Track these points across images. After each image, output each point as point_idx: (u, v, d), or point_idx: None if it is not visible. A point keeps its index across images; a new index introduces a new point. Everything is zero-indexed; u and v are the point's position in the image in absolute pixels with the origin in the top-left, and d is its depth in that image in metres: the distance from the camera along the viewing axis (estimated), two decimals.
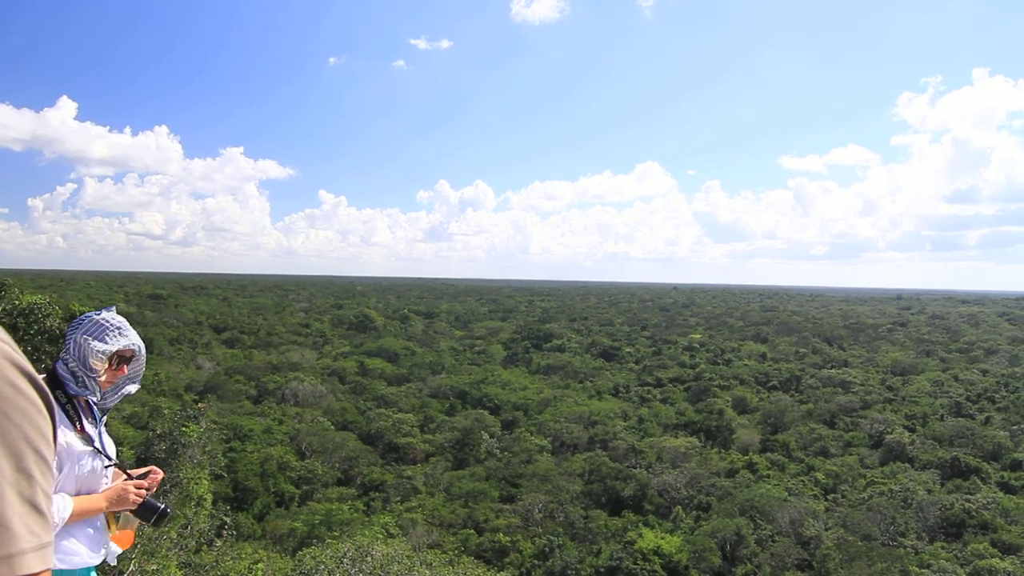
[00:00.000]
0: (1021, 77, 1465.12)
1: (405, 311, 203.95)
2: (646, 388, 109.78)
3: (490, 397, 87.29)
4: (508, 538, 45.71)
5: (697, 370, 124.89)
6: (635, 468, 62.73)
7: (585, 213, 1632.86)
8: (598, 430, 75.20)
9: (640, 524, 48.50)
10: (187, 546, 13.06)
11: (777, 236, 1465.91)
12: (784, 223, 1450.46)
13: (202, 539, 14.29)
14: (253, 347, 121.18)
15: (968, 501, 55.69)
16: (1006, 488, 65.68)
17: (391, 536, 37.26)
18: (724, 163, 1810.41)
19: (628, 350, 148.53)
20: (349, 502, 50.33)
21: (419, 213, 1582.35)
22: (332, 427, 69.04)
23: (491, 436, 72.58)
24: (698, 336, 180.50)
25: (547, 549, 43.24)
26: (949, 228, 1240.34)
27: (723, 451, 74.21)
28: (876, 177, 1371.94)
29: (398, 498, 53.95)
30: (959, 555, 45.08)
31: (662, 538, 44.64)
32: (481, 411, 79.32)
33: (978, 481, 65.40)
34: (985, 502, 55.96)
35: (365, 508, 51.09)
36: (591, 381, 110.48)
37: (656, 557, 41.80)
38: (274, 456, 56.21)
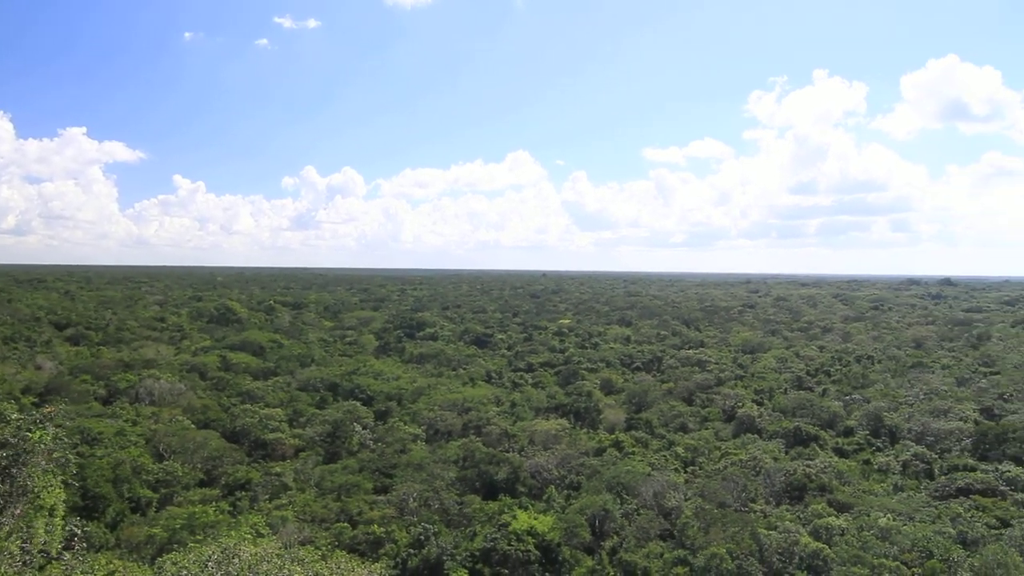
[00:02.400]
0: (855, 79, 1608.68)
1: (271, 302, 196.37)
2: (518, 373, 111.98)
3: (362, 388, 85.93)
4: (383, 529, 45.39)
5: (566, 354, 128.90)
6: (508, 452, 63.92)
7: (457, 201, 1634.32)
8: (472, 416, 75.94)
9: (514, 506, 49.55)
10: (31, 562, 12.06)
11: (640, 225, 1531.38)
12: (646, 212, 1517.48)
13: (47, 553, 13.23)
14: (101, 344, 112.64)
15: (808, 466, 61.14)
16: (840, 453, 72.71)
17: (260, 536, 36.00)
18: (591, 154, 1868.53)
19: (500, 337, 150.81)
20: (213, 503, 48.05)
21: (284, 200, 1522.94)
22: (193, 426, 65.58)
23: (364, 427, 71.57)
24: (567, 321, 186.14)
25: (422, 537, 43.32)
26: (792, 217, 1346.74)
27: (591, 431, 77.10)
28: (729, 169, 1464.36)
29: (266, 496, 52.16)
30: (801, 516, 49.44)
31: (535, 518, 45.85)
32: (353, 402, 77.97)
33: (816, 448, 71.95)
34: (823, 466, 61.64)
35: (231, 509, 48.99)
36: (464, 368, 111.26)
37: (530, 537, 42.92)
38: (127, 459, 52.68)
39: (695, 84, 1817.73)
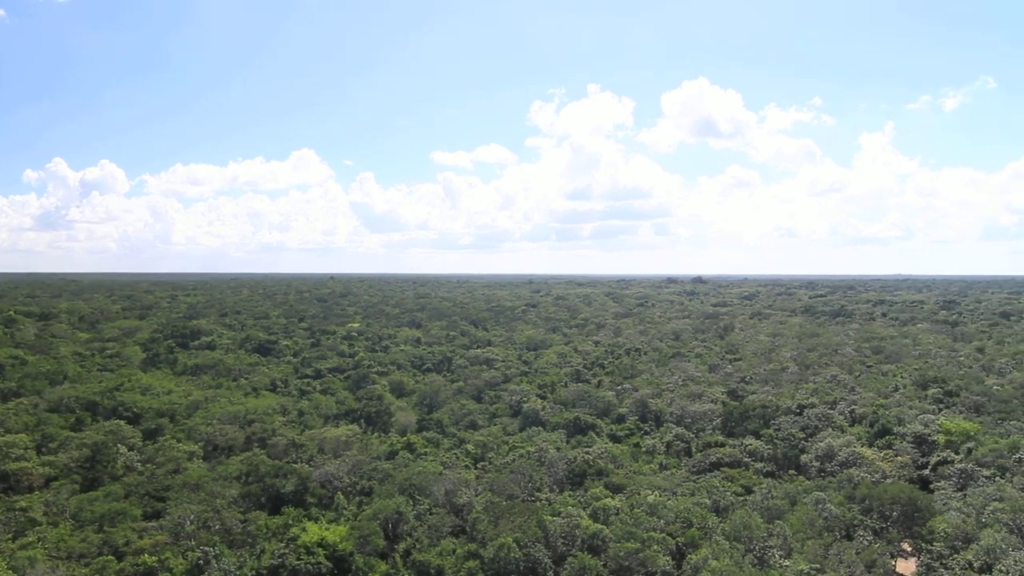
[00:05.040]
0: (624, 95, 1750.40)
1: (11, 313, 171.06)
2: (305, 380, 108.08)
3: (127, 405, 77.91)
4: (155, 558, 41.58)
5: (356, 358, 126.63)
6: (296, 463, 61.58)
7: (236, 201, 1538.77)
8: (256, 428, 72.06)
9: (302, 518, 47.84)
10: None
11: (429, 227, 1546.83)
12: (435, 215, 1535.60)
13: None
14: None
15: (587, 453, 65.70)
16: (614, 439, 79.00)
17: None
18: (380, 155, 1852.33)
19: (286, 343, 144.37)
20: None
21: (27, 196, 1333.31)
22: None
23: (130, 448, 64.99)
24: (356, 325, 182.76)
25: (202, 562, 40.34)
26: (569, 221, 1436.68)
27: (383, 435, 76.54)
28: (513, 175, 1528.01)
29: (9, 535, 45.50)
30: (582, 500, 52.98)
31: (326, 529, 44.61)
32: (117, 422, 70.38)
33: (594, 435, 77.54)
34: (599, 452, 66.56)
35: None
36: (246, 378, 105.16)
37: (320, 549, 41.65)
38: None
39: (482, 91, 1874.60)
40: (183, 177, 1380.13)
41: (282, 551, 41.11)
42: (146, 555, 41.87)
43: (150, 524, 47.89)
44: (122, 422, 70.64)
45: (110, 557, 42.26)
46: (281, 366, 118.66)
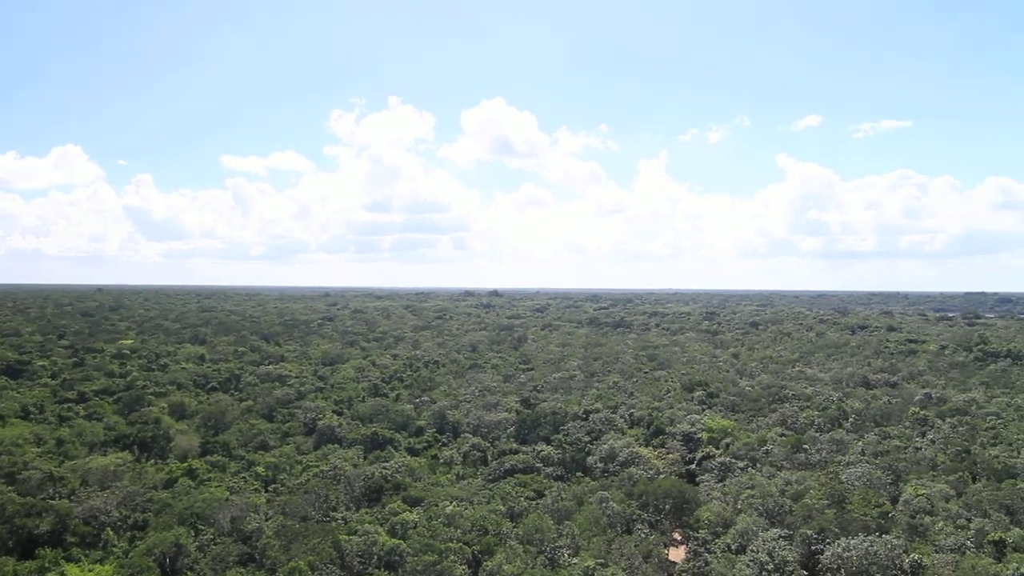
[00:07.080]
0: (425, 109, 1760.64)
1: None
2: (66, 405, 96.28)
3: None
4: None
5: (129, 379, 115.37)
6: (54, 499, 54.66)
7: None
8: (2, 461, 62.90)
9: (60, 560, 42.55)
10: None
11: (216, 235, 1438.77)
12: (223, 223, 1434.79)
13: None
14: None
15: (385, 468, 65.07)
16: (412, 451, 79.01)
17: None
18: (159, 156, 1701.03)
19: (41, 363, 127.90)
20: None
21: None
22: None
23: None
24: (129, 342, 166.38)
25: None
26: (369, 233, 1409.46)
27: (160, 462, 70.31)
28: (310, 183, 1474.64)
29: None
30: (379, 516, 52.36)
31: (90, 570, 40.15)
32: None
33: (392, 449, 77.05)
34: (398, 467, 66.20)
35: None
36: None
37: None
38: None
39: (280, 95, 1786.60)
40: None
41: None
42: None
43: None
44: None
45: None
46: (35, 389, 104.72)
